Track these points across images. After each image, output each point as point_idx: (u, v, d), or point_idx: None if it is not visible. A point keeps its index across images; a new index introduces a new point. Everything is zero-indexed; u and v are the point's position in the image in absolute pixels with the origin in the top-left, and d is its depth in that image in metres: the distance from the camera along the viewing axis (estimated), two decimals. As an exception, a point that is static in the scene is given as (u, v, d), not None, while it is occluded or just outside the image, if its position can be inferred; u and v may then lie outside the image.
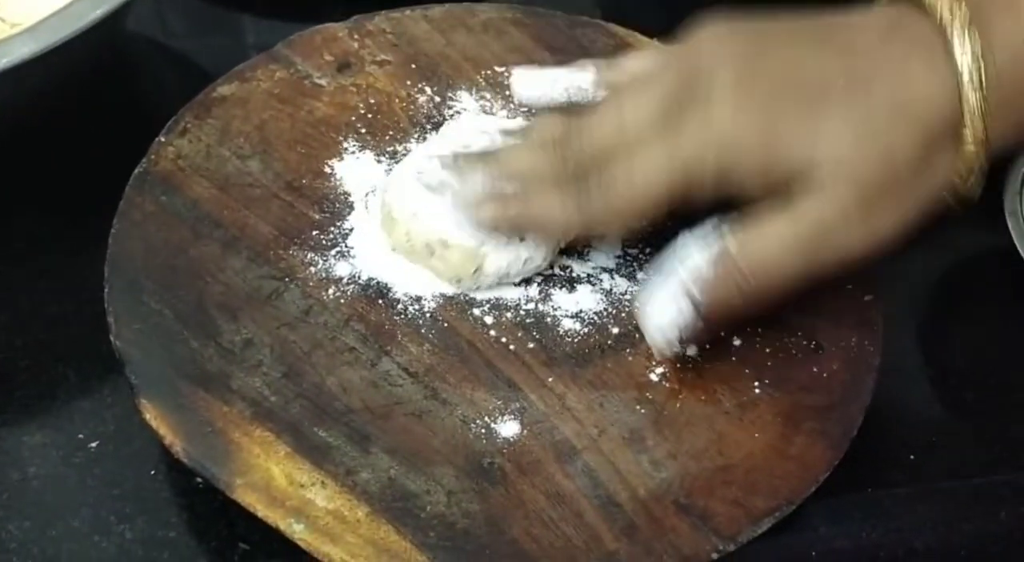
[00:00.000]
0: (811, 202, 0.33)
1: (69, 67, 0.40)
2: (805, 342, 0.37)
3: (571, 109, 0.38)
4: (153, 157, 0.38)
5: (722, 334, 0.36)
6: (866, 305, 0.38)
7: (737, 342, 0.36)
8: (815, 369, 0.36)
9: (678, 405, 0.35)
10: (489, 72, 0.43)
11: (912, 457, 0.38)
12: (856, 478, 0.36)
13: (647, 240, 0.38)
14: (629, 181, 0.33)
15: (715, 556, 0.31)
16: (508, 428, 0.33)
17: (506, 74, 0.43)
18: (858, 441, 0.34)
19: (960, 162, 0.33)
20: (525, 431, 0.33)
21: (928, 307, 0.43)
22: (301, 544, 0.30)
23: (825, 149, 0.33)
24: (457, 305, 0.36)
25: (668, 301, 0.33)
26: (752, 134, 0.33)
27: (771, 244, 0.33)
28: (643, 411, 0.34)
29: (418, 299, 0.36)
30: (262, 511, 0.30)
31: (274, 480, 0.31)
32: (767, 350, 0.36)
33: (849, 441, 0.34)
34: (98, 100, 0.45)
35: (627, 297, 0.37)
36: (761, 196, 0.33)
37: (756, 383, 0.35)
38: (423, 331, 0.35)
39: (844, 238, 0.33)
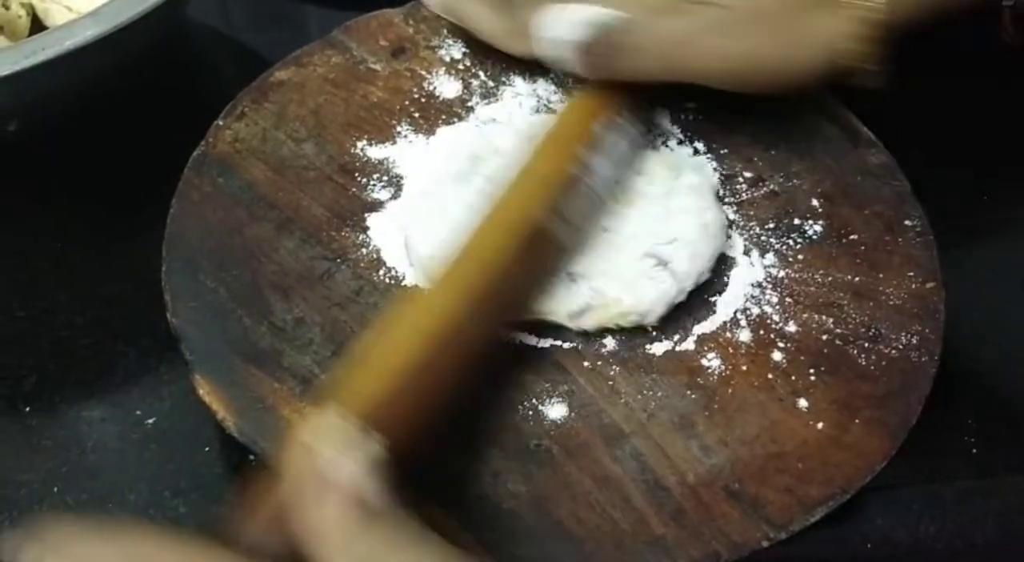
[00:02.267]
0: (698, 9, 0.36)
1: (131, 52, 0.41)
2: (863, 329, 0.36)
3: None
4: (211, 140, 0.39)
5: (777, 324, 0.36)
6: (928, 292, 0.37)
7: (792, 328, 0.36)
8: (873, 357, 0.35)
9: (730, 391, 0.34)
10: (543, 57, 0.43)
11: (974, 450, 0.37)
12: (915, 469, 0.35)
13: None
14: None
15: (765, 544, 0.31)
16: (556, 410, 0.33)
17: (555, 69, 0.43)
18: (917, 431, 0.33)
19: (846, 23, 0.36)
20: (573, 414, 0.33)
21: (993, 296, 0.42)
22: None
23: None
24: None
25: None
26: None
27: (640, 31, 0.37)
28: (693, 396, 0.34)
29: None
30: (310, 487, 0.30)
31: (323, 456, 0.31)
32: (823, 337, 0.35)
33: (907, 431, 0.33)
34: (159, 85, 0.46)
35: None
36: None
37: (811, 370, 0.35)
38: None
39: (707, 46, 0.37)
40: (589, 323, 0.35)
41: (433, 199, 0.37)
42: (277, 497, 0.27)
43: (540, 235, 0.34)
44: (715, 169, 0.40)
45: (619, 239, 0.37)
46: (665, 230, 0.37)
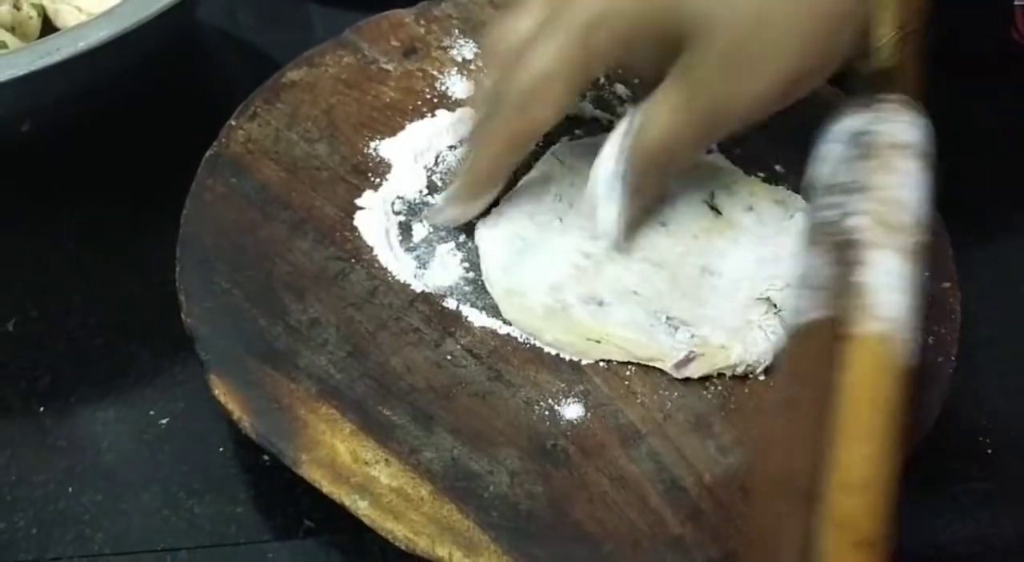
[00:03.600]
0: (694, 56, 0.33)
1: (142, 53, 0.41)
2: (879, 330, 0.36)
3: None
4: (224, 140, 0.39)
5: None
6: (944, 293, 0.37)
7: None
8: (889, 357, 0.35)
9: (746, 391, 0.34)
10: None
11: (990, 451, 0.37)
12: (932, 472, 0.35)
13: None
14: (531, 75, 0.33)
15: (783, 544, 0.30)
16: (572, 410, 0.33)
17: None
18: (935, 433, 0.33)
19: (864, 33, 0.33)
20: (589, 414, 0.33)
21: (1008, 297, 0.42)
22: (365, 520, 0.30)
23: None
24: (521, 288, 0.36)
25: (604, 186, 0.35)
26: None
27: (664, 117, 0.34)
28: (710, 397, 0.34)
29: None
30: (327, 487, 0.30)
31: (339, 457, 0.31)
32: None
33: (926, 431, 0.33)
34: (170, 87, 0.46)
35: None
36: (664, 68, 0.34)
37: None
38: (486, 313, 0.35)
39: (723, 91, 0.34)
40: (695, 372, 0.34)
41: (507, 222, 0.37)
42: None
43: None
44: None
45: (723, 282, 0.36)
46: (776, 272, 0.36)
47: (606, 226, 0.36)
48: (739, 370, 0.34)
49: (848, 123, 0.33)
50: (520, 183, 0.38)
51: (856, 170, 0.32)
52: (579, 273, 0.35)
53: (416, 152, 0.40)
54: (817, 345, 0.28)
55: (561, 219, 0.37)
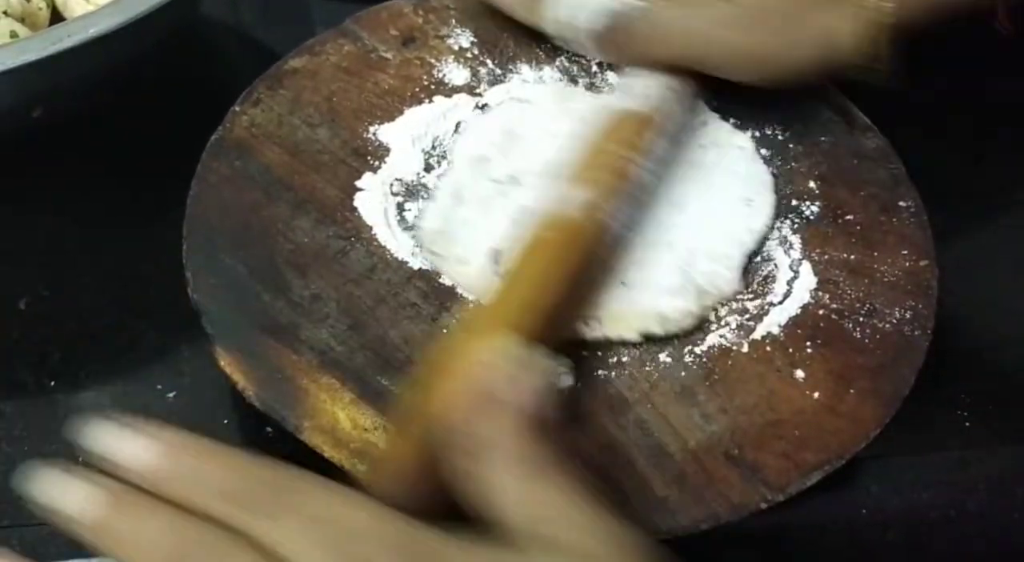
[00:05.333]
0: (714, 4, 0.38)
1: (150, 41, 0.42)
2: (859, 305, 0.37)
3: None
4: (228, 125, 0.40)
5: (777, 303, 0.37)
6: (921, 270, 0.38)
7: (791, 305, 0.37)
8: (868, 331, 0.36)
9: (730, 362, 0.35)
10: (549, 46, 0.44)
11: (967, 423, 0.38)
12: (909, 440, 0.36)
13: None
14: None
15: (764, 506, 0.32)
16: (564, 379, 0.34)
17: (565, 47, 0.44)
18: (912, 404, 0.34)
19: (851, 22, 0.37)
20: (579, 384, 0.34)
21: (985, 274, 0.43)
22: (364, 483, 0.31)
23: None
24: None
25: None
26: None
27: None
28: (695, 368, 0.35)
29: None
30: (328, 452, 0.32)
31: (339, 424, 0.32)
32: (820, 312, 0.37)
33: (900, 400, 0.34)
34: (177, 76, 0.48)
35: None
36: None
37: (808, 343, 0.36)
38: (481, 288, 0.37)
39: (722, 38, 0.38)
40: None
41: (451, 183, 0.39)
42: (419, 429, 0.28)
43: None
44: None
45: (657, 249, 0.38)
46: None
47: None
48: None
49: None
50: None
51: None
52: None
53: (414, 136, 0.41)
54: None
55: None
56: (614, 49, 0.40)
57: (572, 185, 0.35)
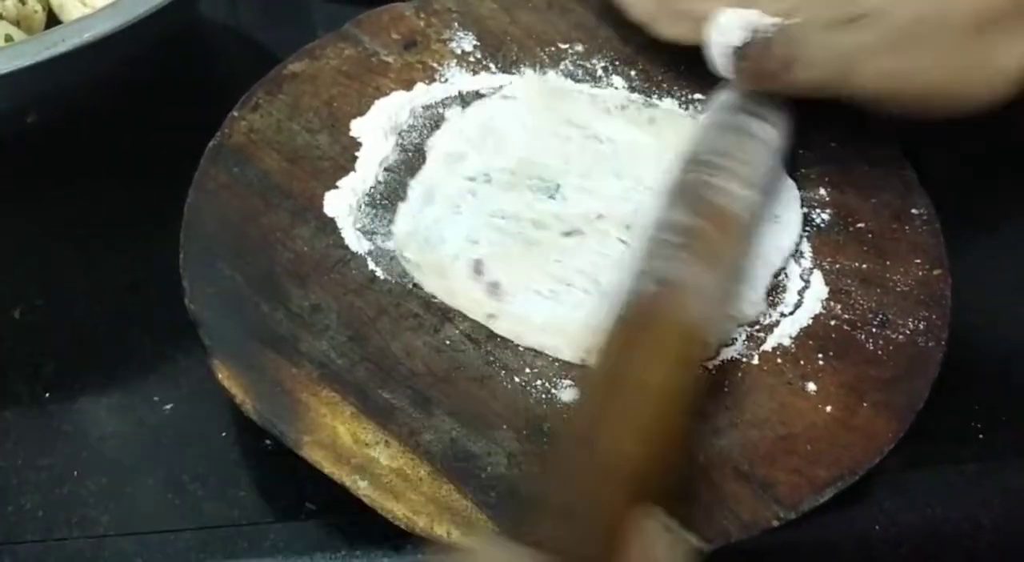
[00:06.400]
0: (863, 21, 0.33)
1: (146, 45, 0.41)
2: (871, 315, 0.36)
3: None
4: (227, 131, 0.39)
5: (788, 314, 0.36)
6: (935, 279, 0.37)
7: (803, 315, 0.36)
8: (881, 342, 0.35)
9: (739, 375, 0.34)
10: (553, 49, 0.44)
11: (981, 435, 0.37)
12: (922, 453, 0.35)
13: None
14: None
15: (776, 523, 0.31)
16: (567, 393, 0.34)
17: (569, 51, 0.43)
18: (925, 416, 0.34)
19: None
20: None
21: (999, 283, 0.42)
22: (365, 500, 0.31)
23: None
24: (519, 275, 0.36)
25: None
26: None
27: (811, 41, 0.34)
28: (704, 380, 0.34)
29: (481, 268, 0.37)
30: (328, 468, 0.31)
31: (340, 438, 0.32)
32: (832, 322, 0.36)
33: (914, 414, 0.34)
34: (174, 79, 0.47)
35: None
36: None
37: (820, 355, 0.35)
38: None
39: (871, 63, 0.33)
40: None
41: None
42: None
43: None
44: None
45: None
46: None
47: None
48: None
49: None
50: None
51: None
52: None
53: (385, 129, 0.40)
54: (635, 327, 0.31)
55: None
56: (760, 73, 0.36)
57: None
